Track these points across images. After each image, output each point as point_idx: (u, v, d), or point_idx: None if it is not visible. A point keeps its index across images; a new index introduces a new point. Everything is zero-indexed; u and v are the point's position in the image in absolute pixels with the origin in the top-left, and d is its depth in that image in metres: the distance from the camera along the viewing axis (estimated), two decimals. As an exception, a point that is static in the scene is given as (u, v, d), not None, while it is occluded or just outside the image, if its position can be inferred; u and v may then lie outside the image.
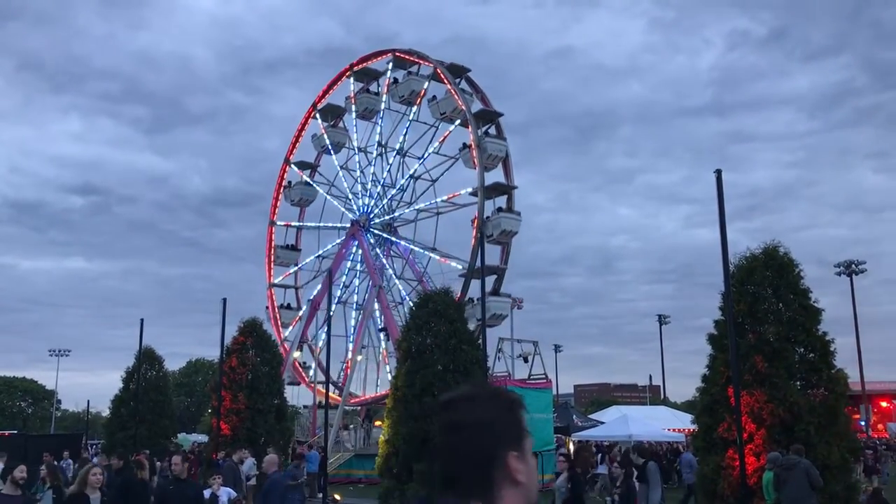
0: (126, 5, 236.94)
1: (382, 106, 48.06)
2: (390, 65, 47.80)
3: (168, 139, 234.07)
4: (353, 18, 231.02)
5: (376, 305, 45.84)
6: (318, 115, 51.66)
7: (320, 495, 26.08)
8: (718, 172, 14.18)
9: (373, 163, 48.88)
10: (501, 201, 42.64)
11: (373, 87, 49.80)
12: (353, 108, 49.12)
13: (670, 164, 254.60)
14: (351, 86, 50.05)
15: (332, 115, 52.02)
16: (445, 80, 43.42)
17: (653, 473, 12.04)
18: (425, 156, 45.74)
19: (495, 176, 42.67)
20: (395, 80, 47.02)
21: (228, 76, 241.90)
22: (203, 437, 59.80)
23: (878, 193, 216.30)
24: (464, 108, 42.08)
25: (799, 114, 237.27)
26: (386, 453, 22.40)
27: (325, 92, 51.59)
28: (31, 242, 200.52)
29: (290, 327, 51.20)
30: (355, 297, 50.33)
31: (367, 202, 48.64)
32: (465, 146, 42.20)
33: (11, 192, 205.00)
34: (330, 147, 50.58)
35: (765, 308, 16.68)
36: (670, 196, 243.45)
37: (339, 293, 48.71)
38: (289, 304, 52.70)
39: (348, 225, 49.03)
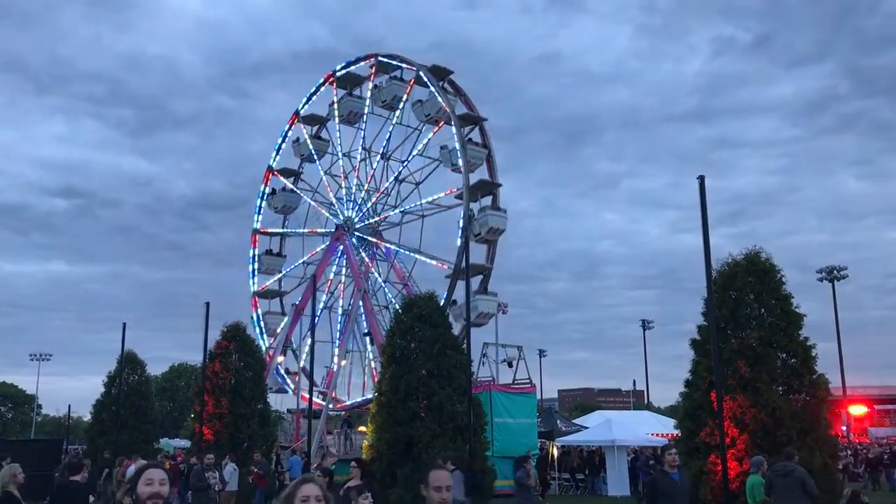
0: (112, 7, 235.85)
1: (366, 109, 48.03)
2: (373, 69, 47.82)
3: (153, 142, 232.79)
4: (341, 23, 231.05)
5: (361, 310, 45.75)
6: (300, 122, 51.66)
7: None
8: (701, 179, 14.25)
9: (356, 167, 48.87)
10: (487, 201, 42.69)
11: (356, 92, 49.78)
12: (337, 113, 49.04)
13: (655, 169, 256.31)
14: (334, 92, 50.04)
15: (315, 122, 52.01)
16: (429, 83, 43.51)
17: (456, 484, 11.04)
18: (409, 158, 45.77)
19: (480, 175, 42.82)
20: (377, 86, 47.02)
21: (214, 79, 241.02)
22: (185, 443, 59.39)
23: (861, 200, 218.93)
24: (448, 109, 42.23)
25: (783, 120, 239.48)
26: (370, 458, 22.33)
27: (309, 99, 51.54)
28: (12, 245, 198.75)
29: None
30: (340, 302, 50.19)
31: (351, 206, 48.60)
32: (443, 148, 42.38)
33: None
34: (314, 153, 50.53)
35: (747, 313, 16.79)
36: (655, 201, 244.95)
37: (323, 298, 48.60)
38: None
39: (333, 230, 48.97)
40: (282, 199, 51.70)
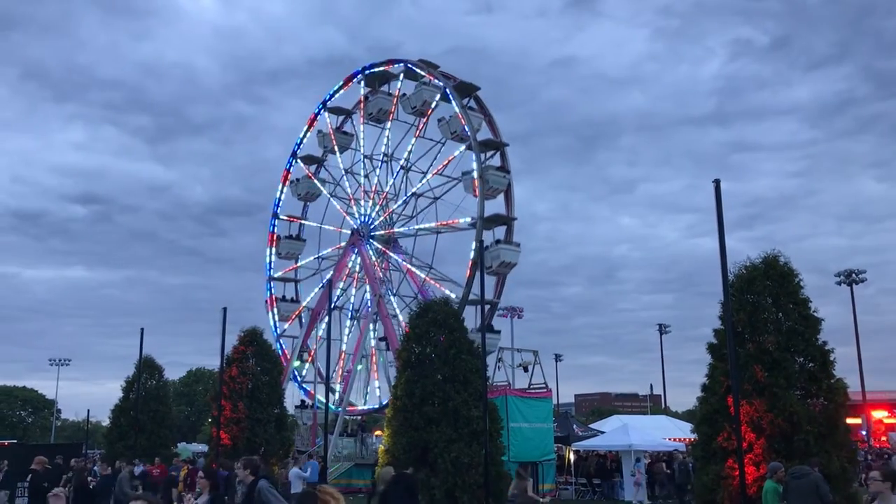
0: (130, 15, 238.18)
1: (393, 107, 48.06)
2: (402, 75, 47.92)
3: (170, 148, 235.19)
4: (357, 28, 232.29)
5: (376, 315, 45.82)
6: (326, 112, 52.09)
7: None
8: (717, 182, 14.15)
9: (377, 173, 48.98)
10: (501, 233, 42.50)
11: (384, 88, 49.89)
12: (364, 109, 49.27)
13: (672, 173, 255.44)
14: (361, 89, 50.26)
15: (341, 113, 52.49)
16: (453, 102, 43.52)
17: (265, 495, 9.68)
18: (428, 175, 45.70)
19: (496, 206, 42.69)
20: (405, 95, 46.97)
21: (231, 86, 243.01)
22: (203, 447, 59.74)
23: (880, 202, 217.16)
24: (470, 134, 42.25)
25: (801, 123, 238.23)
26: (385, 462, 22.38)
27: (336, 92, 51.76)
28: (32, 251, 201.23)
29: (289, 322, 51.79)
30: (366, 306, 50.18)
31: (368, 212, 48.68)
32: (466, 173, 42.30)
33: (13, 201, 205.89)
34: (336, 148, 50.73)
35: (764, 318, 16.70)
36: (672, 205, 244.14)
37: (339, 303, 48.91)
38: (291, 298, 53.09)
39: (349, 233, 49.10)
40: (305, 186, 52.48)
